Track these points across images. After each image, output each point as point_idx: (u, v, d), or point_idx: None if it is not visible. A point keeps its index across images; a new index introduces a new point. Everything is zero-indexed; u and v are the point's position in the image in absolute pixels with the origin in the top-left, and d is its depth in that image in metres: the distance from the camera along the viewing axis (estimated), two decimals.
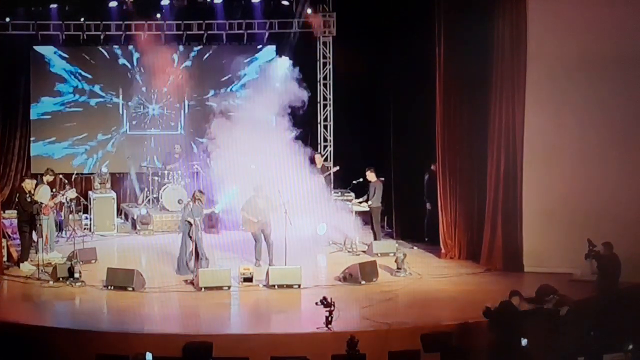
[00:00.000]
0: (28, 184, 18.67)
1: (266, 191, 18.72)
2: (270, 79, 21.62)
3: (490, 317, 13.77)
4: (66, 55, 23.68)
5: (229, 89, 23.74)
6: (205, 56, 24.09)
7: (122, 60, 23.87)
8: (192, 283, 17.20)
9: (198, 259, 17.77)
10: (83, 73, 23.77)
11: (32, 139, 23.71)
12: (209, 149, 20.90)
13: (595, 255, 15.70)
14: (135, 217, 22.08)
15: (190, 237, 17.74)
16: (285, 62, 21.70)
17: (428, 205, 20.54)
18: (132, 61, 23.85)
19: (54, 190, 19.98)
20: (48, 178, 19.71)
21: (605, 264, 15.69)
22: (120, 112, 23.99)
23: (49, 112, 23.76)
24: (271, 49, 23.96)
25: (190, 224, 17.73)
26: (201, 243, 17.89)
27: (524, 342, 13.03)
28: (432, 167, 20.08)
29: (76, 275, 17.08)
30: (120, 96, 23.93)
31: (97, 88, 23.84)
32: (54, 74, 23.71)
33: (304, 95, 20.71)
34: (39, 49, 23.48)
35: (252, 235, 18.77)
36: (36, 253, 18.44)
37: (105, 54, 23.85)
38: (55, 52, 23.60)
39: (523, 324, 13.60)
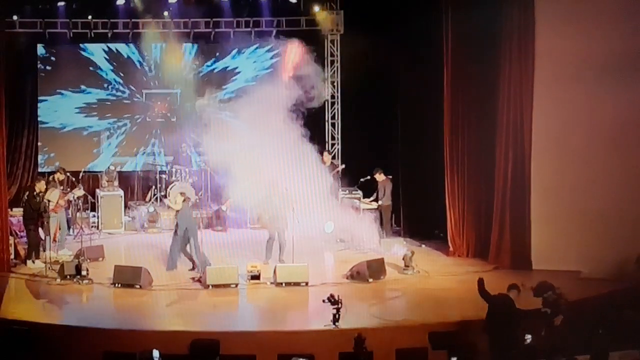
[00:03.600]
0: (42, 185, 18.71)
1: (281, 188, 18.70)
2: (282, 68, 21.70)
3: (483, 293, 13.82)
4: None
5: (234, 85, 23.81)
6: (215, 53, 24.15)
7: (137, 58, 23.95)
8: (199, 280, 17.20)
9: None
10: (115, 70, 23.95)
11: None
12: (202, 147, 20.92)
13: None
14: (142, 215, 22.06)
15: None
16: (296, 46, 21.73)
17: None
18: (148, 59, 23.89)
19: (62, 188, 19.97)
20: (59, 176, 19.76)
21: None
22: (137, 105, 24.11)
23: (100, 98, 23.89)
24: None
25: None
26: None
27: (529, 338, 12.98)
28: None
29: (83, 272, 17.13)
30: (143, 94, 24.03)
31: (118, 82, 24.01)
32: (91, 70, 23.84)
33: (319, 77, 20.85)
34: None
35: (269, 232, 18.74)
36: (44, 251, 18.44)
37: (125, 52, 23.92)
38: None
39: (520, 321, 13.60)
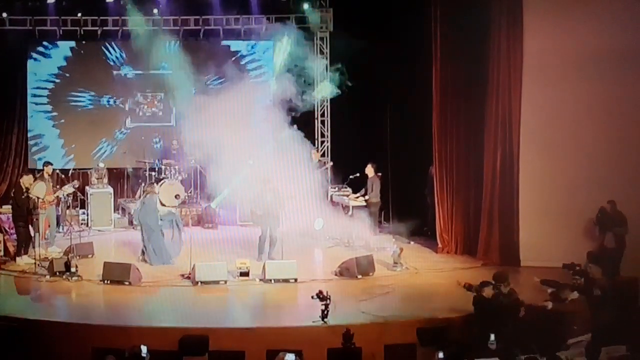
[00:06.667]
0: (26, 180, 18.68)
1: (274, 184, 18.72)
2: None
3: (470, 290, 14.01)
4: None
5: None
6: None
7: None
8: (188, 277, 17.22)
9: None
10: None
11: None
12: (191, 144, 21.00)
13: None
14: (132, 213, 22.06)
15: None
16: (287, 42, 21.78)
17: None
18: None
19: (57, 186, 19.98)
20: (48, 170, 19.75)
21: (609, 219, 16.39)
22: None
23: None
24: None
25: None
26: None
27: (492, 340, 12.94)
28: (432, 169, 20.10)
29: (73, 269, 17.12)
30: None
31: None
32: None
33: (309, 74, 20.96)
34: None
35: (261, 228, 18.77)
36: (33, 247, 18.43)
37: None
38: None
39: (496, 314, 13.66)
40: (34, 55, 23.60)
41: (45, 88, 23.76)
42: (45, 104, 23.80)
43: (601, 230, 17.55)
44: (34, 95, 23.69)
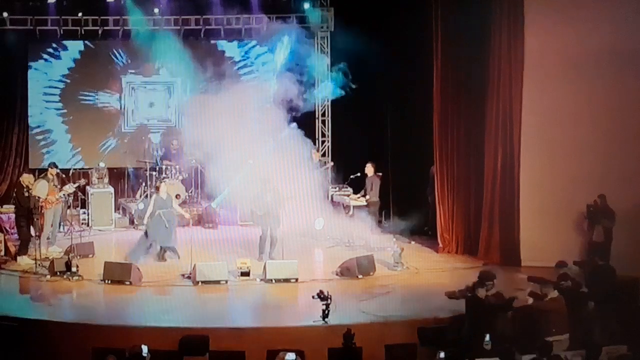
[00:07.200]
0: (26, 179, 18.68)
1: (274, 184, 18.72)
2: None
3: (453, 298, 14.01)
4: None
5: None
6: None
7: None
8: (189, 277, 17.22)
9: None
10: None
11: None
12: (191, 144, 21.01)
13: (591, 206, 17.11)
14: (132, 212, 22.08)
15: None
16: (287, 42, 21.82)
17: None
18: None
19: (58, 186, 19.97)
20: (52, 171, 19.73)
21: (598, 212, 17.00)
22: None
23: None
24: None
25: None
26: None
27: (487, 337, 12.93)
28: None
29: (73, 269, 17.13)
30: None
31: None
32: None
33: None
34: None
35: (261, 228, 18.78)
36: (34, 247, 18.41)
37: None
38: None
39: (490, 316, 13.64)
40: (44, 56, 23.65)
41: (56, 87, 23.80)
42: (56, 102, 23.84)
43: (590, 223, 17.64)
44: (45, 94, 23.73)
